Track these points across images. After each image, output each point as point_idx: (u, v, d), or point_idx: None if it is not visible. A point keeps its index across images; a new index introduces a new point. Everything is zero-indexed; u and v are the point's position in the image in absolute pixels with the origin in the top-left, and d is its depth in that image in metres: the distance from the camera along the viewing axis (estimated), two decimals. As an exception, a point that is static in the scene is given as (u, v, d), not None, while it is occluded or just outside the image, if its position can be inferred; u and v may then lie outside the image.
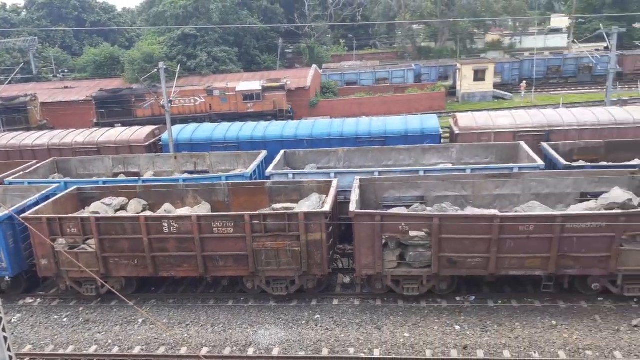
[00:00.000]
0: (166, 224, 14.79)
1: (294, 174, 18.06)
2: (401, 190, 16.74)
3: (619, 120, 21.49)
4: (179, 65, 36.97)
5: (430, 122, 23.12)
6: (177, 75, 30.24)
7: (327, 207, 14.46)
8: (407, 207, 15.91)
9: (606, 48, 45.72)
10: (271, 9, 61.00)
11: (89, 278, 15.40)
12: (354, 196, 14.87)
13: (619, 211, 13.38)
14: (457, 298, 14.71)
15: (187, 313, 15.05)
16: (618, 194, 14.52)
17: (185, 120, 35.57)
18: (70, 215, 15.87)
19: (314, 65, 49.32)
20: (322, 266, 14.46)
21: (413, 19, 62.67)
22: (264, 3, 59.88)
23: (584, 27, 64.79)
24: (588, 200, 15.36)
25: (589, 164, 17.54)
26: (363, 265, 14.34)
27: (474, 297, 14.72)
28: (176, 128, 25.34)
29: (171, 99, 27.27)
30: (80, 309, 15.74)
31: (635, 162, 17.81)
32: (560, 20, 70.93)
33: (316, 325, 13.95)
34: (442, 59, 59.10)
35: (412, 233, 13.94)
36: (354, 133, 22.91)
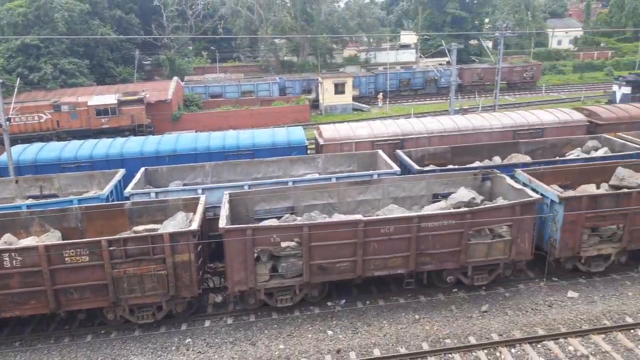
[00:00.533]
0: (7, 258, 13.00)
1: (156, 193, 17.10)
2: (272, 202, 16.76)
3: (461, 127, 23.98)
4: (19, 79, 33.14)
5: (297, 134, 23.59)
6: (16, 90, 27.05)
7: (194, 226, 13.88)
8: (278, 218, 15.97)
9: (448, 62, 51.07)
10: (126, 19, 57.72)
11: None
12: (224, 212, 14.51)
13: (465, 209, 14.84)
14: (329, 303, 15.07)
15: (37, 355, 13.32)
16: (464, 194, 16.12)
17: (28, 140, 31.86)
18: None
19: (176, 77, 47.65)
20: (192, 288, 13.82)
21: (274, 33, 63.87)
22: (117, 13, 56.45)
23: (429, 43, 71.71)
24: (439, 201, 16.82)
25: (438, 167, 19.26)
26: (235, 282, 14.01)
27: (344, 301, 15.21)
28: (17, 148, 22.56)
29: (9, 116, 24.27)
30: None
31: (477, 164, 19.97)
32: (409, 37, 77.76)
33: (187, 350, 13.27)
34: (305, 72, 61.00)
35: (284, 244, 13.99)
36: (221, 147, 22.46)
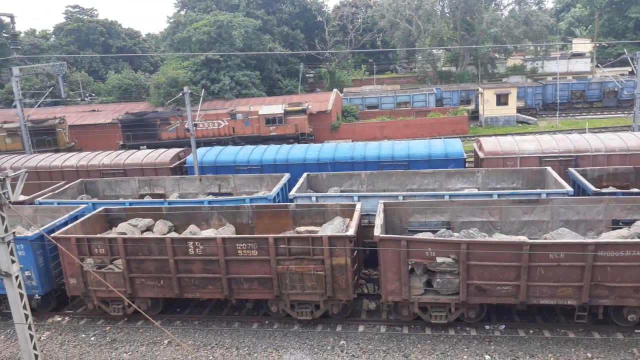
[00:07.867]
0: (192, 246, 14.84)
1: (316, 197, 18.05)
2: (426, 214, 16.56)
3: (649, 145, 21.09)
4: (203, 90, 37.65)
5: (455, 146, 23.01)
6: (201, 100, 30.77)
7: (351, 231, 14.35)
8: (434, 232, 15.71)
9: (631, 72, 45.30)
10: (292, 35, 62.05)
11: (116, 298, 15.48)
12: (379, 220, 14.74)
13: (654, 239, 13.00)
14: (487, 327, 14.34)
15: (212, 335, 14.96)
16: (652, 222, 14.14)
17: (209, 143, 36.06)
18: (98, 235, 16.04)
19: (335, 89, 49.75)
20: (347, 291, 14.28)
21: (433, 44, 63.07)
22: (285, 29, 61.01)
23: (606, 51, 64.47)
24: (620, 228, 14.98)
25: (619, 190, 17.17)
26: (389, 291, 14.12)
27: (504, 326, 14.34)
28: (200, 151, 25.66)
29: (196, 122, 27.68)
30: (107, 328, 15.78)
31: (668, 188, 17.39)
32: (582, 45, 70.65)
33: (342, 352, 13.72)
34: (463, 83, 59.12)
35: (439, 259, 13.72)
36: (377, 156, 22.91)
